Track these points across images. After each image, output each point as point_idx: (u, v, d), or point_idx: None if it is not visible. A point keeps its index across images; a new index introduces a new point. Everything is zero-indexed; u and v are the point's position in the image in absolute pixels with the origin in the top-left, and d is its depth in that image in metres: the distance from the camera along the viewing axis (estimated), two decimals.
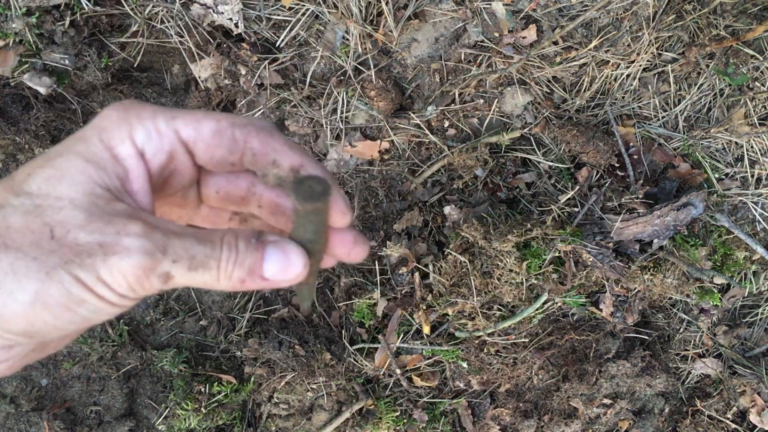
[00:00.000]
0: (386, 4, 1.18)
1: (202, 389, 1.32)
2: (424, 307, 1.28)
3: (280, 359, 1.30)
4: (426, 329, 1.28)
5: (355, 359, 1.33)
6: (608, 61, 1.22)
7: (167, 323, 1.47)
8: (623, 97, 1.28)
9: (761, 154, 1.29)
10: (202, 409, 1.31)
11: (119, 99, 1.43)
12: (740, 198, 1.31)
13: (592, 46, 1.20)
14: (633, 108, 1.29)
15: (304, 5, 1.17)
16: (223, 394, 1.32)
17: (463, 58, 1.25)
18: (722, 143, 1.30)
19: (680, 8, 1.19)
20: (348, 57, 1.24)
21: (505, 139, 1.29)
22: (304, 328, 1.38)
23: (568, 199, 1.27)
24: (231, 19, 1.15)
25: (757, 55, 1.20)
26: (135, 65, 1.26)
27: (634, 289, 1.27)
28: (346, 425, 1.33)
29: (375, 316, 1.34)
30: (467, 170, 1.32)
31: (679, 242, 1.24)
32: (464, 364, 1.30)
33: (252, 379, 1.33)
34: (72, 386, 1.42)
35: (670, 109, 1.28)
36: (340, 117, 1.31)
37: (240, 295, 1.47)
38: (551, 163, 1.31)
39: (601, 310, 1.29)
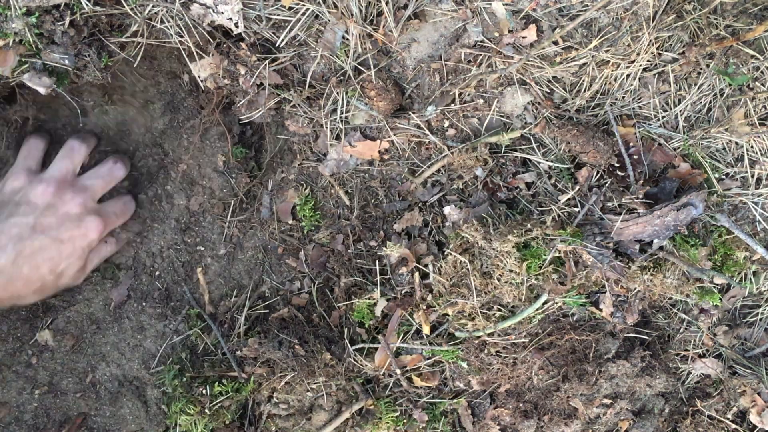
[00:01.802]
0: (386, 4, 1.18)
1: (203, 391, 1.32)
2: (424, 307, 1.28)
3: (280, 359, 1.31)
4: (426, 329, 1.28)
5: (355, 359, 1.33)
6: (608, 61, 1.22)
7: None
8: (623, 97, 1.28)
9: (761, 154, 1.29)
10: (206, 410, 1.31)
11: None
12: (740, 198, 1.31)
13: (592, 46, 1.20)
14: (633, 108, 1.29)
15: (304, 5, 1.17)
16: (226, 395, 1.32)
17: (463, 58, 1.25)
18: (722, 143, 1.30)
19: (680, 8, 1.19)
20: (348, 57, 1.24)
21: (505, 139, 1.29)
22: (304, 328, 1.38)
23: (568, 199, 1.27)
24: (231, 19, 1.15)
25: (758, 55, 1.20)
26: (135, 65, 1.26)
27: (634, 289, 1.27)
28: (346, 425, 1.33)
29: (375, 316, 1.34)
30: (467, 170, 1.32)
31: (679, 242, 1.24)
32: (464, 365, 1.30)
33: (252, 378, 1.33)
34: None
35: (670, 109, 1.28)
36: (340, 117, 1.31)
37: (236, 294, 1.47)
38: (551, 163, 1.31)
39: (601, 310, 1.30)
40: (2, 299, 1.18)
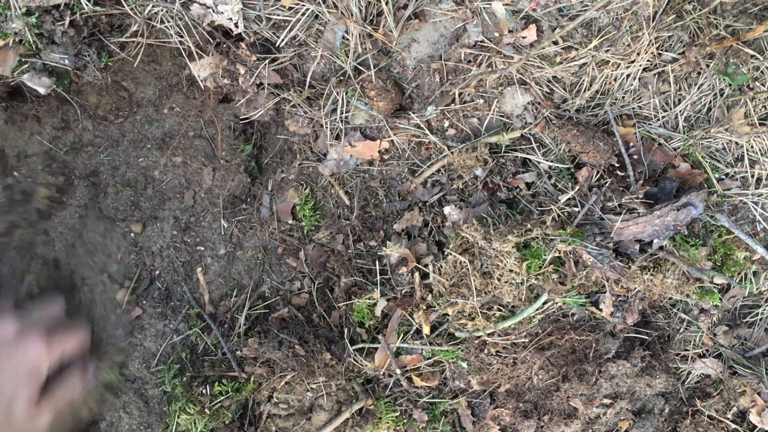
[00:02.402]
0: (386, 4, 1.18)
1: (203, 391, 1.32)
2: (424, 307, 1.28)
3: (280, 359, 1.30)
4: (426, 329, 1.28)
5: (355, 359, 1.33)
6: (608, 61, 1.22)
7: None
8: (623, 97, 1.28)
9: (761, 154, 1.29)
10: (206, 410, 1.30)
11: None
12: (740, 198, 1.31)
13: (592, 46, 1.20)
14: (633, 108, 1.29)
15: (303, 5, 1.17)
16: (226, 395, 1.32)
17: (463, 58, 1.25)
18: (722, 143, 1.30)
19: (680, 8, 1.19)
20: (348, 57, 1.24)
21: (505, 139, 1.29)
22: (304, 328, 1.38)
23: (568, 199, 1.27)
24: (231, 18, 1.15)
25: (757, 55, 1.20)
26: (135, 65, 1.26)
27: (634, 289, 1.27)
28: (346, 425, 1.33)
29: (375, 316, 1.33)
30: (467, 170, 1.32)
31: (679, 242, 1.24)
32: (464, 365, 1.30)
33: (252, 378, 1.33)
34: None
35: (670, 109, 1.28)
36: (340, 117, 1.31)
37: (236, 293, 1.47)
38: (551, 163, 1.30)
39: (601, 310, 1.29)
40: None
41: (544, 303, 1.24)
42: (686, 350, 1.43)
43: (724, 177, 1.32)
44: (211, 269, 1.49)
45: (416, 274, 1.28)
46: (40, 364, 1.01)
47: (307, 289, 1.45)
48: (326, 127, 1.33)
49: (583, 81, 1.26)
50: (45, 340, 1.01)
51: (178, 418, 1.32)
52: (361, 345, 1.34)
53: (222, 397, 1.32)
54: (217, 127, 1.46)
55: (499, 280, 1.21)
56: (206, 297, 1.46)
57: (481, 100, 1.29)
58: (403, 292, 1.31)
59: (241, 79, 1.24)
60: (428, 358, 1.33)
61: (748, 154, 1.30)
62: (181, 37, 1.17)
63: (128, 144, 1.47)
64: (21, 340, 1.00)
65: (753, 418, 1.40)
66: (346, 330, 1.36)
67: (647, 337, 1.39)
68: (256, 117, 1.33)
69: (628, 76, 1.25)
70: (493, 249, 1.20)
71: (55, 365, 1.02)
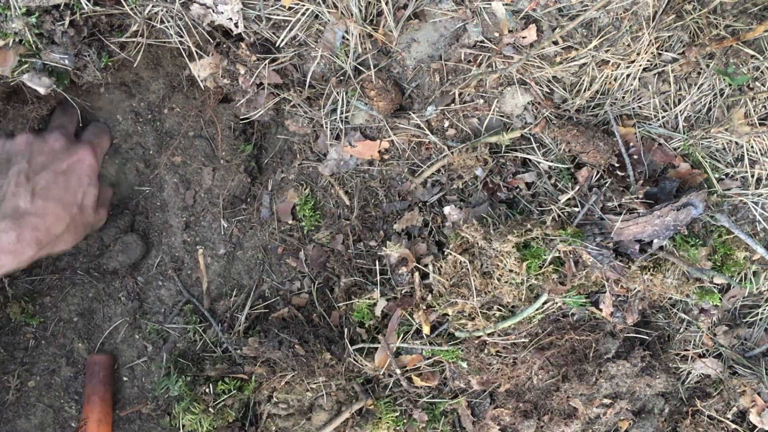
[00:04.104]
0: (386, 4, 1.18)
1: (207, 390, 1.32)
2: (424, 307, 1.28)
3: (280, 359, 1.31)
4: (426, 329, 1.28)
5: (355, 359, 1.33)
6: (608, 61, 1.22)
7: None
8: (623, 97, 1.28)
9: (761, 154, 1.29)
10: (210, 409, 1.30)
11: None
12: (740, 198, 1.31)
13: (592, 46, 1.20)
14: (633, 108, 1.29)
15: (304, 5, 1.17)
16: (229, 394, 1.32)
17: (463, 58, 1.25)
18: (722, 143, 1.30)
19: (680, 8, 1.19)
20: (348, 57, 1.24)
21: (505, 139, 1.29)
22: (304, 327, 1.38)
23: (568, 199, 1.27)
24: (231, 19, 1.15)
25: (758, 55, 1.20)
26: (135, 65, 1.26)
27: (634, 289, 1.27)
28: (346, 425, 1.33)
29: (375, 316, 1.34)
30: (467, 170, 1.32)
31: (679, 242, 1.24)
32: (464, 365, 1.30)
33: (252, 378, 1.33)
34: None
35: (670, 109, 1.28)
36: (340, 117, 1.31)
37: (236, 293, 1.47)
38: (551, 163, 1.31)
39: (601, 310, 1.30)
40: (42, 240, 1.19)
41: (544, 303, 1.24)
42: (686, 350, 1.43)
43: (724, 177, 1.32)
44: (211, 269, 1.49)
45: (416, 274, 1.29)
46: (93, 164, 1.30)
47: (307, 289, 1.45)
48: (326, 127, 1.33)
49: (583, 81, 1.26)
50: (89, 145, 1.31)
51: (183, 419, 1.32)
52: (361, 345, 1.34)
53: (225, 396, 1.32)
54: (217, 127, 1.45)
55: (499, 280, 1.21)
56: (206, 300, 1.46)
57: (481, 100, 1.29)
58: (403, 292, 1.31)
59: (241, 79, 1.24)
60: (428, 358, 1.33)
61: (748, 154, 1.30)
62: (181, 37, 1.17)
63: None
64: (71, 148, 1.29)
65: (753, 418, 1.40)
66: (346, 330, 1.36)
67: (647, 337, 1.39)
68: (256, 117, 1.33)
69: (628, 76, 1.25)
70: (493, 249, 1.20)
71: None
